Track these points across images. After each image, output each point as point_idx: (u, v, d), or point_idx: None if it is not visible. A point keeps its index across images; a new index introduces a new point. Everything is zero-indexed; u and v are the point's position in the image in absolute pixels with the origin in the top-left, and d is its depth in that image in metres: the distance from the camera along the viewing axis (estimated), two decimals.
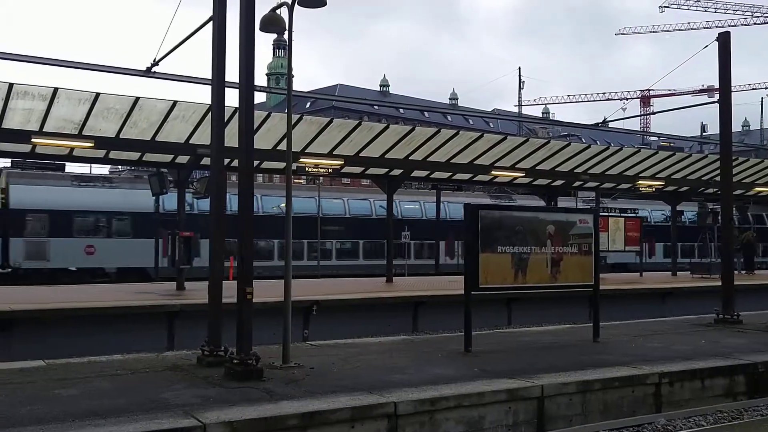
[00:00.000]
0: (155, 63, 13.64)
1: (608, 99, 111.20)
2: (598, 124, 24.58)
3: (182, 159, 19.10)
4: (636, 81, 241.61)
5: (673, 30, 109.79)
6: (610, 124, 25.05)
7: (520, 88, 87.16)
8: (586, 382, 8.63)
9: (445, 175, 24.09)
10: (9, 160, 24.04)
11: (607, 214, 27.72)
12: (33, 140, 16.40)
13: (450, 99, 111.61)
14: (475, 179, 25.26)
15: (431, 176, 24.44)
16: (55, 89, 14.97)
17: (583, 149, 23.61)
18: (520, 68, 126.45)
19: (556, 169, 23.74)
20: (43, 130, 16.24)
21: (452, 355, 10.51)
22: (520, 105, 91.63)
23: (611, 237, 25.97)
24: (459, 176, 24.41)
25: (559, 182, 25.68)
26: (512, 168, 22.91)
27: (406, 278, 26.51)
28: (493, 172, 23.03)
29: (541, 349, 11.33)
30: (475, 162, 22.10)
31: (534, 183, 26.27)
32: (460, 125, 76.29)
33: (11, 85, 14.54)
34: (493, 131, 67.24)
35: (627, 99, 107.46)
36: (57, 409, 6.82)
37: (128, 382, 8.34)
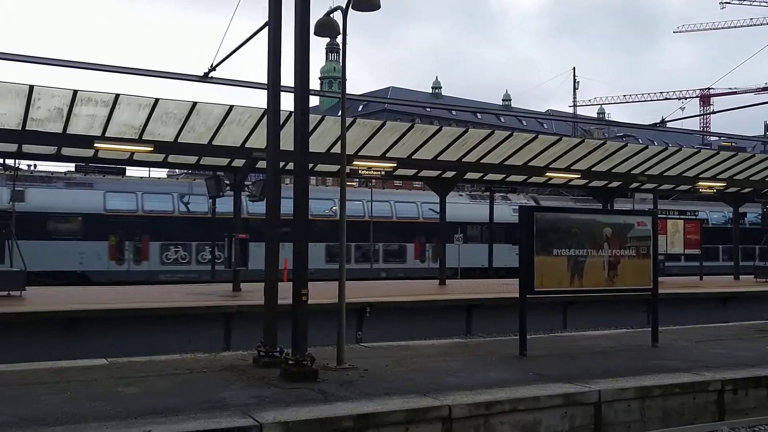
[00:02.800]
0: (212, 68, 13.91)
1: (666, 98, 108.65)
2: (656, 124, 24.09)
3: (238, 162, 19.44)
4: (684, 80, 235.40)
5: (737, 26, 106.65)
6: (669, 124, 24.52)
7: (575, 89, 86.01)
8: (645, 388, 8.45)
9: (499, 177, 23.94)
10: (73, 164, 24.79)
11: (666, 216, 27.11)
12: (96, 145, 16.91)
13: (503, 100, 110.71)
14: (529, 181, 25.05)
15: (484, 178, 24.30)
16: (117, 95, 15.40)
17: (640, 150, 23.15)
18: (574, 68, 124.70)
19: (613, 171, 23.34)
20: (106, 135, 16.72)
21: (507, 358, 10.42)
22: (575, 106, 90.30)
23: (670, 239, 25.41)
24: (513, 178, 24.24)
25: (615, 184, 25.24)
26: (568, 169, 22.61)
27: (458, 281, 26.40)
28: (548, 174, 22.79)
29: (598, 353, 11.14)
30: (529, 164, 21.90)
31: (590, 185, 25.87)
32: (513, 126, 75.68)
33: (75, 92, 15.03)
34: (547, 132, 66.45)
35: (685, 98, 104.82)
36: (119, 407, 7.00)
37: (187, 381, 8.50)
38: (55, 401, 7.25)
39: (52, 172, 29.62)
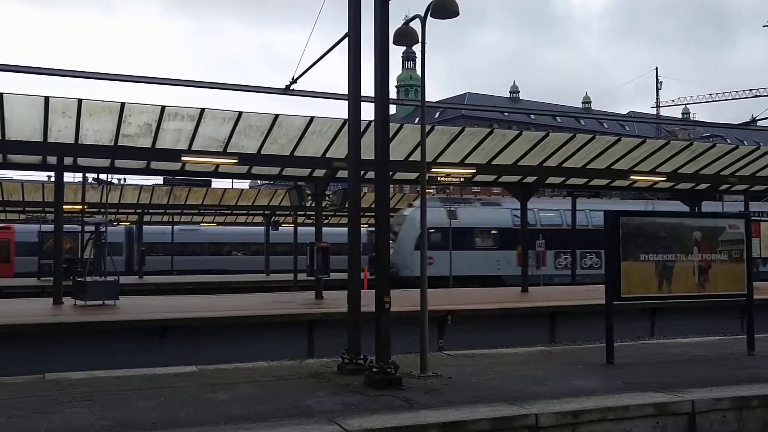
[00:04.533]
0: (293, 81, 14.18)
1: (756, 95, 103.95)
2: (746, 123, 23.10)
3: (319, 172, 19.75)
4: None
5: None
6: (760, 123, 23.49)
7: (657, 89, 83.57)
8: (743, 399, 8.10)
9: (581, 181, 23.49)
10: (161, 177, 25.69)
11: (759, 218, 25.95)
12: (183, 158, 17.50)
13: (583, 103, 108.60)
14: (612, 185, 24.47)
15: (566, 183, 23.89)
16: (202, 110, 15.91)
17: (730, 150, 22.25)
18: (657, 68, 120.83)
19: (700, 173, 22.54)
20: (192, 149, 17.28)
21: (593, 366, 10.18)
22: (657, 106, 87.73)
23: (764, 243, 24.28)
24: (595, 182, 23.74)
25: (703, 186, 24.36)
26: (652, 172, 21.97)
27: (541, 288, 25.98)
28: (632, 177, 22.20)
29: (690, 361, 10.75)
30: (612, 167, 21.39)
31: (676, 187, 25.04)
32: (594, 129, 74.06)
33: (163, 108, 15.62)
34: (630, 134, 64.72)
35: None
36: (211, 413, 7.20)
37: (273, 388, 8.67)
38: (150, 407, 7.52)
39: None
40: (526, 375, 9.46)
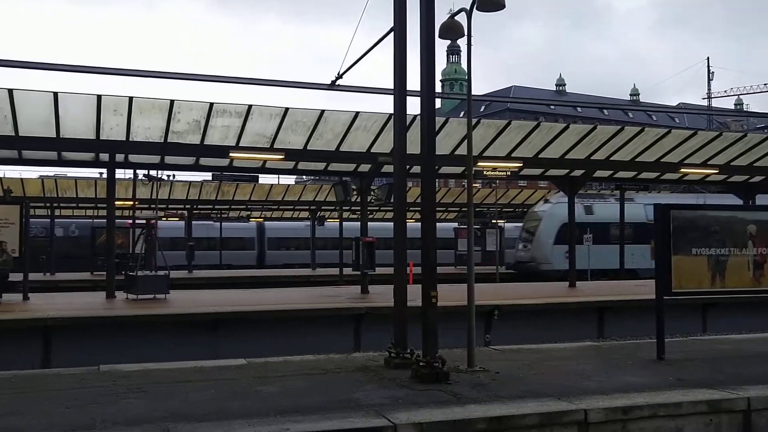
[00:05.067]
0: (339, 76, 14.24)
1: None
2: None
3: (364, 167, 19.81)
4: None
5: None
6: None
7: (709, 80, 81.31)
8: None
9: (630, 174, 23.12)
10: (210, 173, 26.13)
11: None
12: (231, 155, 17.75)
13: (631, 95, 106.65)
14: (662, 178, 24.01)
15: (614, 176, 23.53)
16: (249, 106, 16.10)
17: None
18: (708, 59, 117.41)
19: (755, 165, 21.95)
20: (240, 145, 17.51)
21: (643, 362, 10.03)
22: (709, 98, 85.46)
23: None
24: (644, 175, 23.36)
25: (757, 178, 23.72)
26: (704, 165, 21.50)
27: (588, 282, 25.66)
28: (682, 170, 21.75)
29: (744, 358, 10.49)
30: (661, 160, 20.98)
31: (728, 180, 24.45)
32: (643, 122, 72.65)
33: (212, 105, 15.85)
34: (680, 126, 63.38)
35: None
36: (260, 405, 7.30)
37: (321, 381, 8.75)
38: (201, 398, 7.66)
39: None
40: (575, 370, 9.36)
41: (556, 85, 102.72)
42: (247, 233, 45.36)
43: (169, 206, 35.65)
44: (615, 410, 7.21)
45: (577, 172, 21.95)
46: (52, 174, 41.52)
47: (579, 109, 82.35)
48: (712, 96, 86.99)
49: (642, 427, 7.26)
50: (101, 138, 16.85)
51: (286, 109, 16.39)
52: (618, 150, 20.13)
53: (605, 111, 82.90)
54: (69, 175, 40.30)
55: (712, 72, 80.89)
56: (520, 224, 43.21)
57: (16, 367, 10.14)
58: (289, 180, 54.67)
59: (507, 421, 6.87)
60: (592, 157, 20.38)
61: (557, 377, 8.85)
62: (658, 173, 22.97)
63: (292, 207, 39.61)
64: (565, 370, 9.42)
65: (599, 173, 22.74)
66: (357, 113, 16.93)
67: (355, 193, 20.90)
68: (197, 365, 9.83)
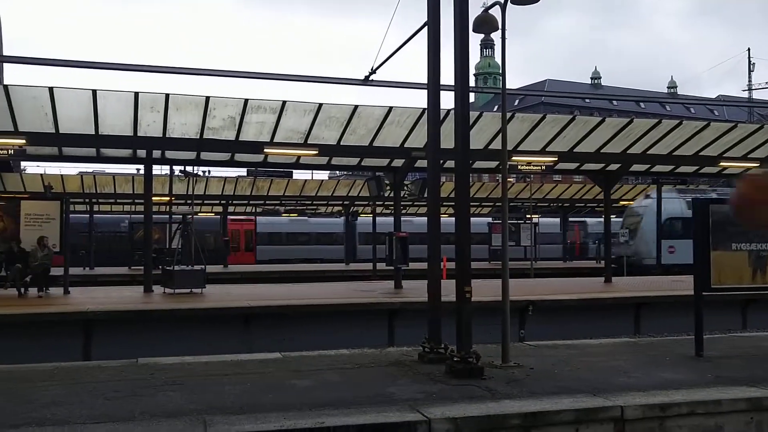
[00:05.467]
0: (372, 72, 14.26)
1: None
2: None
3: (397, 162, 19.82)
4: None
5: None
6: None
7: (749, 71, 79.55)
8: None
9: (667, 168, 22.78)
10: (245, 169, 26.33)
11: None
12: (265, 150, 17.89)
13: (668, 87, 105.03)
14: (700, 171, 23.62)
15: (651, 170, 23.21)
16: (284, 102, 16.21)
17: None
18: (749, 49, 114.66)
19: None
20: (274, 141, 17.63)
21: (681, 359, 9.88)
22: (750, 89, 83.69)
23: None
24: (682, 169, 22.98)
25: None
26: (744, 158, 21.09)
27: (624, 278, 25.35)
28: (722, 164, 21.37)
29: None
30: (700, 153, 20.63)
31: None
32: (681, 115, 71.49)
33: (246, 101, 15.99)
34: (720, 119, 62.21)
35: None
36: (294, 398, 7.36)
37: (355, 375, 8.78)
38: (237, 391, 7.75)
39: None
40: (611, 366, 9.27)
41: (592, 78, 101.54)
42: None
43: (205, 201, 36.07)
44: (652, 407, 7.12)
45: (613, 166, 21.69)
46: (90, 170, 42.31)
47: (615, 102, 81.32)
48: (753, 88, 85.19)
49: (680, 425, 7.16)
50: (138, 134, 17.11)
51: (320, 104, 16.46)
52: (655, 144, 19.85)
53: (641, 104, 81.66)
54: (107, 171, 41.03)
55: (753, 63, 79.17)
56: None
57: (58, 359, 10.35)
58: (323, 175, 54.98)
59: (542, 417, 6.83)
60: (628, 151, 20.12)
61: (593, 373, 8.76)
62: (697, 167, 22.62)
63: (325, 202, 39.82)
64: (600, 366, 9.32)
65: (636, 167, 22.43)
66: (390, 108, 16.94)
67: (388, 188, 20.93)
68: (233, 359, 9.94)
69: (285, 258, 41.39)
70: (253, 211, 44.32)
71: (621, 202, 35.73)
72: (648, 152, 20.27)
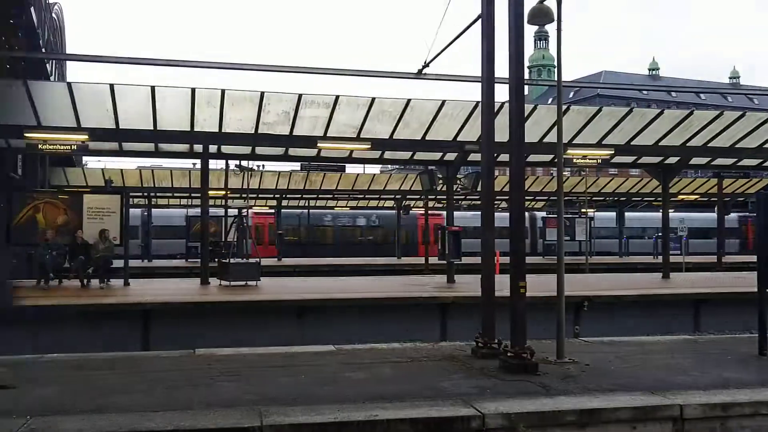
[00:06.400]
0: (426, 65, 14.20)
1: None
2: None
3: (450, 156, 19.72)
4: None
5: None
6: None
7: None
8: None
9: (729, 161, 22.14)
10: (299, 163, 26.57)
11: None
12: (319, 145, 18.01)
13: (730, 78, 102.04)
14: (764, 165, 22.88)
15: (712, 163, 22.60)
16: (337, 97, 16.28)
17: None
18: None
19: None
20: (327, 135, 17.74)
21: (743, 358, 9.62)
22: None
23: None
24: (745, 162, 22.28)
25: None
26: None
27: (682, 274, 24.76)
28: None
29: None
30: (765, 146, 19.97)
31: None
32: (743, 106, 69.35)
33: (300, 96, 16.13)
34: None
35: None
36: (349, 391, 7.42)
37: (408, 369, 8.80)
38: (291, 383, 7.85)
39: None
40: (669, 364, 9.08)
41: (649, 70, 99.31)
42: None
43: (260, 195, 36.51)
44: (713, 407, 6.96)
45: (672, 160, 21.18)
46: (148, 165, 43.25)
47: (674, 94, 79.36)
48: None
49: (742, 425, 6.98)
50: (195, 129, 17.41)
51: (373, 98, 16.49)
52: (716, 136, 19.29)
53: (702, 95, 79.52)
54: (164, 165, 41.87)
55: None
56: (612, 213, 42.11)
57: (118, 348, 10.66)
58: (375, 169, 55.05)
59: (598, 415, 6.74)
60: (688, 144, 19.60)
61: (650, 371, 8.60)
62: (761, 160, 21.91)
63: (377, 196, 39.87)
64: (658, 363, 9.15)
65: (695, 160, 21.87)
66: (443, 101, 16.86)
67: (440, 182, 20.85)
68: (287, 351, 10.07)
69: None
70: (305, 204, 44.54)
71: (680, 197, 34.80)
72: (709, 145, 19.71)
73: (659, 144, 19.43)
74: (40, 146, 16.81)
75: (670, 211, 22.86)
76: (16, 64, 19.29)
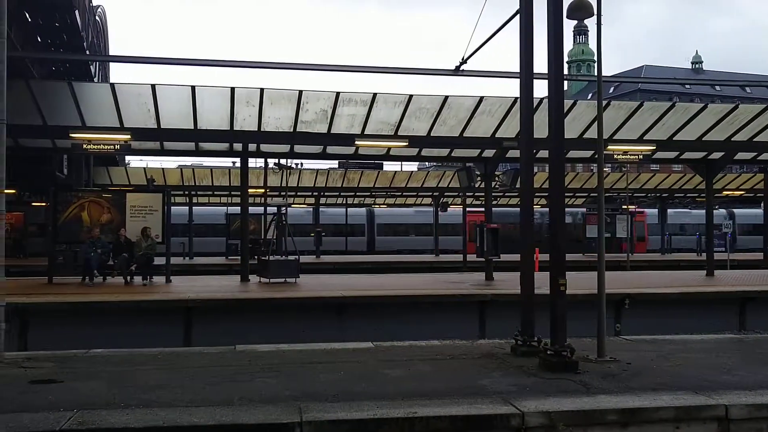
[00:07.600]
0: (463, 61, 14.16)
1: None
2: None
3: (488, 152, 19.63)
4: None
5: None
6: None
7: None
8: None
9: None
10: (336, 161, 26.74)
11: None
12: (356, 143, 18.05)
13: None
14: None
15: (758, 158, 22.07)
16: (374, 95, 16.32)
17: None
18: None
19: None
20: (365, 133, 17.78)
21: None
22: None
23: None
24: None
25: None
26: None
27: (727, 271, 24.26)
28: None
29: None
30: None
31: None
32: None
33: (338, 94, 16.20)
34: None
35: None
36: (386, 388, 7.44)
37: (447, 366, 8.78)
38: (330, 379, 7.90)
39: None
40: (713, 363, 8.91)
41: (692, 63, 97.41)
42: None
43: (298, 193, 36.77)
44: (760, 407, 6.82)
45: (716, 155, 20.76)
46: (189, 163, 43.87)
47: (717, 87, 77.72)
48: None
49: None
50: (235, 128, 17.60)
51: (410, 96, 16.48)
52: (762, 130, 18.85)
53: (747, 89, 77.81)
54: (204, 164, 42.43)
55: None
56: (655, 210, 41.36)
57: (161, 344, 10.82)
58: (412, 167, 55.05)
59: (640, 414, 6.65)
60: (732, 139, 19.19)
61: (693, 370, 8.45)
62: None
63: (415, 193, 39.86)
64: (702, 362, 8.98)
65: (740, 155, 21.38)
66: (481, 98, 16.77)
67: (479, 178, 20.74)
68: (326, 347, 10.12)
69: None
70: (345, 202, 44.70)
71: (724, 192, 34.09)
72: (755, 139, 19.27)
73: (702, 139, 19.06)
74: (84, 146, 17.15)
75: (715, 207, 22.43)
76: (61, 66, 19.74)
